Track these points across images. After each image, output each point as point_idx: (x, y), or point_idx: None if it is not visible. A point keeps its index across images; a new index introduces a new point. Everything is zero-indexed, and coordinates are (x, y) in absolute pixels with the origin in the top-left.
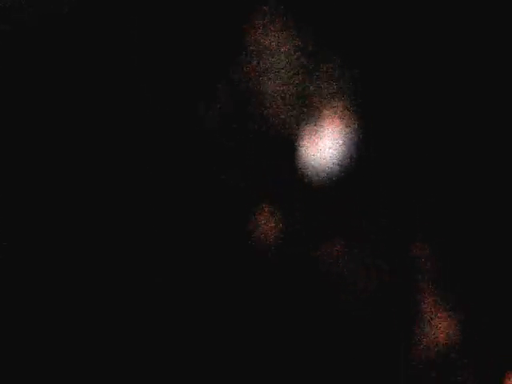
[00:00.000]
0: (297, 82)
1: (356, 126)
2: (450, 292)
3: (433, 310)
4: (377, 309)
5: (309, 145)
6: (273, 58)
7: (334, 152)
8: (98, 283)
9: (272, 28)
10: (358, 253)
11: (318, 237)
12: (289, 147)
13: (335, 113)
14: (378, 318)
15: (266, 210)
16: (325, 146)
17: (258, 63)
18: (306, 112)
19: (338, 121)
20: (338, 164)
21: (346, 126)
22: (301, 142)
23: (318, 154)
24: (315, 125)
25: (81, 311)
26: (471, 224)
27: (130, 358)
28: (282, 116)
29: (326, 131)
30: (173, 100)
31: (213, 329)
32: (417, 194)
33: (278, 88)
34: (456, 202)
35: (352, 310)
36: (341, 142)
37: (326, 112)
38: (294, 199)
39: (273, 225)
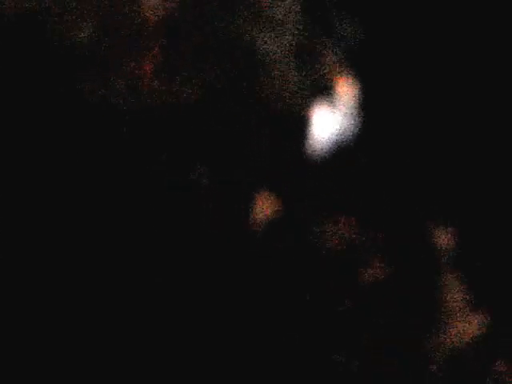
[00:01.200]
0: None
1: (365, 96)
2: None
3: (457, 302)
4: (390, 299)
5: (315, 117)
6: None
7: (342, 126)
8: (86, 279)
9: None
10: (370, 237)
11: (327, 220)
12: (292, 121)
13: (344, 82)
14: (391, 309)
15: (267, 194)
16: (332, 119)
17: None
18: (313, 81)
19: (346, 91)
20: (346, 140)
21: (355, 97)
22: (306, 115)
23: (326, 128)
24: (322, 96)
25: (80, 311)
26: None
27: (127, 353)
28: (286, 88)
29: (334, 103)
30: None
31: (211, 316)
32: (431, 171)
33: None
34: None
35: (362, 299)
36: (349, 114)
37: (334, 81)
38: (299, 180)
39: (275, 210)
